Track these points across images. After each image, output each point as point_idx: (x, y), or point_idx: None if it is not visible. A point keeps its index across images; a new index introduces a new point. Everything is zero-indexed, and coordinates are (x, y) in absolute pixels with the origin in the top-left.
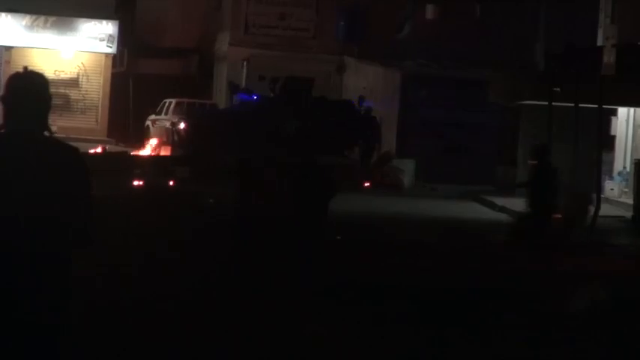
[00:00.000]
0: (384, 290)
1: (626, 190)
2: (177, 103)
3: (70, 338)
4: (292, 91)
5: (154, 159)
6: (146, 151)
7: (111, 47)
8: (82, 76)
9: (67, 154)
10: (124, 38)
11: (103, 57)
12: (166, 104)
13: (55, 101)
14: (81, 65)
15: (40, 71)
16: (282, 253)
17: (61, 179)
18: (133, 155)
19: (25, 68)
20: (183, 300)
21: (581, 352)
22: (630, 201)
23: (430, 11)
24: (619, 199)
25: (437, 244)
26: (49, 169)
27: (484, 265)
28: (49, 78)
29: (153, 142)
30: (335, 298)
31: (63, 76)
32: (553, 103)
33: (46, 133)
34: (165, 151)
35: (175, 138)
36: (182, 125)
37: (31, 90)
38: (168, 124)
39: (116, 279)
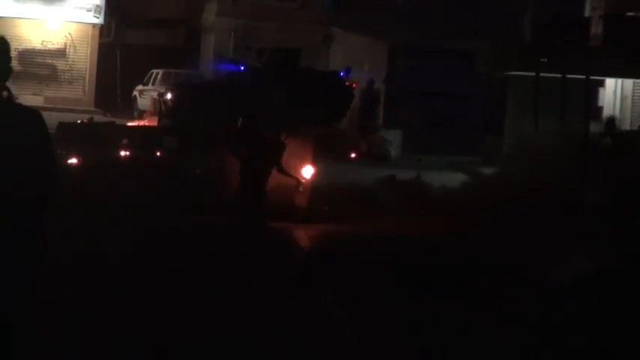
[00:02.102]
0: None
1: None
2: (164, 74)
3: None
4: (279, 62)
5: (141, 129)
6: (133, 121)
7: (98, 17)
8: (69, 46)
9: (24, 113)
10: (111, 8)
11: (90, 27)
12: (153, 75)
13: (42, 72)
14: (68, 35)
15: (26, 41)
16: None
17: (23, 139)
18: (120, 125)
19: None
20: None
21: None
22: None
23: None
24: None
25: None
26: (8, 128)
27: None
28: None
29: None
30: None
31: (50, 46)
32: (540, 74)
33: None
34: (152, 122)
35: (162, 108)
36: (169, 95)
37: None
38: (155, 95)
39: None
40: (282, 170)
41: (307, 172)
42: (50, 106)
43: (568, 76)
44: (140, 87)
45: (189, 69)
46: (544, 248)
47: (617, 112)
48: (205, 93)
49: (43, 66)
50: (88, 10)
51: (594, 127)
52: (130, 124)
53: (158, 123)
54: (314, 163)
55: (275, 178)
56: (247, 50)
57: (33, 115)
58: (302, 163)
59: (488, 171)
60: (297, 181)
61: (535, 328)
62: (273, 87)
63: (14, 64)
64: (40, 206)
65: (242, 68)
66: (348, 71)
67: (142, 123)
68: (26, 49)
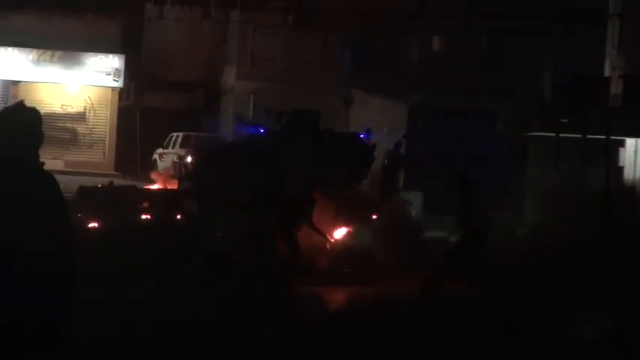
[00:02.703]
0: None
1: None
2: (184, 137)
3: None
4: (298, 124)
5: (162, 193)
6: (154, 185)
7: (117, 81)
8: (89, 110)
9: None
10: (130, 72)
11: (110, 91)
12: (173, 138)
13: (62, 135)
14: (88, 99)
15: (46, 105)
16: None
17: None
18: (141, 189)
19: (21, 102)
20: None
21: None
22: None
23: (437, 43)
24: None
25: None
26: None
27: None
28: (57, 112)
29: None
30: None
31: (70, 110)
32: (561, 134)
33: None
34: (172, 185)
35: (182, 171)
36: (189, 159)
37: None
38: (175, 158)
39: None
40: (312, 226)
41: (339, 232)
42: (70, 170)
43: (588, 136)
44: (160, 150)
45: (210, 132)
46: (569, 305)
47: (638, 172)
48: (225, 156)
49: (63, 130)
50: (108, 74)
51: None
52: (147, 187)
53: (178, 186)
54: (345, 224)
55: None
56: (267, 113)
57: (53, 179)
58: (323, 223)
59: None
60: (326, 239)
61: None
62: (293, 149)
63: None
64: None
65: (261, 131)
66: (368, 132)
67: (155, 185)
68: (46, 113)
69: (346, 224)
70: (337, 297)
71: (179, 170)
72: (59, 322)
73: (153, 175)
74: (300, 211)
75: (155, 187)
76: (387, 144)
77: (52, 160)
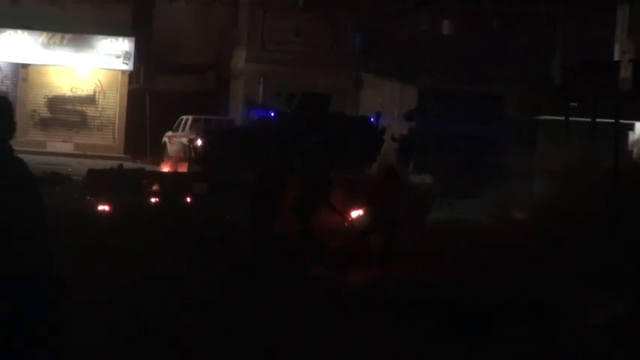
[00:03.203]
0: None
1: None
2: (194, 120)
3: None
4: (309, 107)
5: (171, 175)
6: (164, 167)
7: (127, 64)
8: (99, 93)
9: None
10: (140, 55)
11: (120, 74)
12: (183, 121)
13: (72, 118)
14: (97, 82)
15: (56, 88)
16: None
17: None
18: (150, 172)
19: None
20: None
21: None
22: None
23: (446, 27)
24: None
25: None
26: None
27: None
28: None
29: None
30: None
31: (79, 93)
32: (570, 118)
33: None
34: (182, 168)
35: (192, 154)
36: (199, 142)
37: None
38: (185, 141)
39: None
40: (330, 207)
41: (356, 214)
42: (80, 152)
43: (598, 119)
44: (170, 133)
45: (219, 115)
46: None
47: None
48: (235, 139)
49: (73, 113)
50: (118, 57)
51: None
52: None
53: (188, 169)
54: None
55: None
56: (277, 96)
57: (23, 164)
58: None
59: (518, 214)
60: (344, 219)
61: None
62: (304, 132)
63: (44, 110)
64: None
65: (272, 114)
66: (378, 116)
67: (164, 168)
68: (56, 96)
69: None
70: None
71: (189, 153)
72: (41, 303)
73: (164, 165)
74: (316, 193)
75: (165, 170)
76: (398, 128)
77: (61, 143)
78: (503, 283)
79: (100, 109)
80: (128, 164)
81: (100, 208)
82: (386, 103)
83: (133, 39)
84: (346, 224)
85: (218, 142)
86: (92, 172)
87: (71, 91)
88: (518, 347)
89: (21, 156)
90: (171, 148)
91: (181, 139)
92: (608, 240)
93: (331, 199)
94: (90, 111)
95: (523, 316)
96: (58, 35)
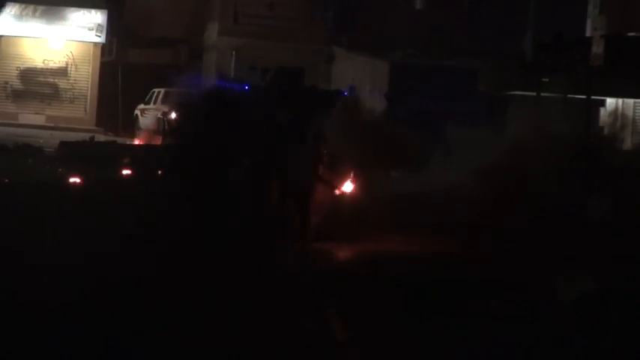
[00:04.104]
0: None
1: None
2: (165, 93)
3: None
4: (283, 81)
5: (143, 148)
6: (138, 140)
7: (100, 36)
8: (71, 65)
9: None
10: (113, 27)
11: (92, 46)
12: (155, 94)
13: (44, 90)
14: (70, 54)
15: (28, 60)
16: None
17: None
18: (122, 144)
19: None
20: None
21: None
22: None
23: (419, 2)
24: None
25: None
26: None
27: None
28: (38, 67)
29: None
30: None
31: (52, 65)
32: (541, 94)
33: None
34: (155, 141)
35: (166, 127)
36: (173, 115)
37: None
38: (159, 114)
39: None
40: (319, 178)
41: (347, 187)
42: (52, 124)
43: (569, 95)
44: (142, 106)
45: (191, 88)
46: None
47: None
48: (210, 112)
49: (45, 85)
50: (90, 29)
51: None
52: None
53: (162, 142)
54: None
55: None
56: (251, 70)
57: None
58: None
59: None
60: (333, 188)
61: (540, 346)
62: (277, 106)
63: (16, 82)
64: None
65: (246, 87)
66: (351, 90)
67: (137, 141)
68: (28, 67)
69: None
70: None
71: (163, 126)
72: None
73: (138, 138)
74: (308, 169)
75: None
76: (370, 102)
77: (33, 115)
78: (473, 257)
79: (72, 81)
80: (100, 136)
81: (72, 179)
82: (358, 78)
83: (106, 11)
84: (337, 192)
85: (192, 115)
86: (64, 144)
87: (43, 63)
88: (490, 323)
89: None
90: (143, 120)
91: (153, 112)
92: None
93: (320, 171)
94: (62, 83)
95: (492, 291)
96: (31, 7)
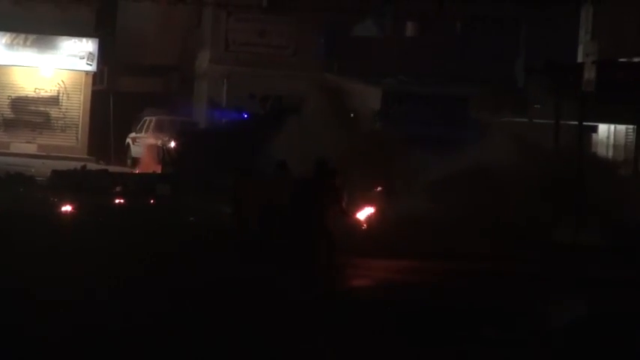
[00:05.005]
0: None
1: None
2: (157, 121)
3: None
4: (282, 110)
5: (135, 177)
6: (137, 170)
7: (91, 65)
8: (63, 94)
9: None
10: (104, 56)
11: (84, 75)
12: (147, 122)
13: (35, 119)
14: (61, 83)
15: (19, 89)
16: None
17: None
18: (113, 173)
19: None
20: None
21: None
22: None
23: (410, 28)
24: None
25: None
26: None
27: None
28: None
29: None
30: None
31: (43, 94)
32: (533, 120)
33: None
34: (155, 170)
35: (166, 156)
36: (172, 144)
37: None
38: (159, 143)
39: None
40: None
41: (365, 213)
42: (44, 153)
43: (561, 122)
44: (133, 134)
45: (183, 116)
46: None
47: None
48: (212, 141)
49: (36, 114)
50: (81, 58)
51: None
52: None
53: (162, 171)
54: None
55: None
56: (250, 98)
57: None
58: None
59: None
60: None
61: None
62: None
63: (8, 111)
64: None
65: (245, 116)
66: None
67: (137, 171)
68: (19, 96)
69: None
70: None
71: (162, 155)
72: None
73: (137, 167)
74: (317, 197)
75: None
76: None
77: (24, 144)
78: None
79: (63, 110)
80: (92, 165)
81: (64, 208)
82: (351, 104)
83: (97, 40)
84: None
85: (192, 143)
86: (56, 173)
87: (35, 91)
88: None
89: None
90: (135, 149)
91: (145, 141)
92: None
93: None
94: (53, 112)
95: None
96: (22, 36)
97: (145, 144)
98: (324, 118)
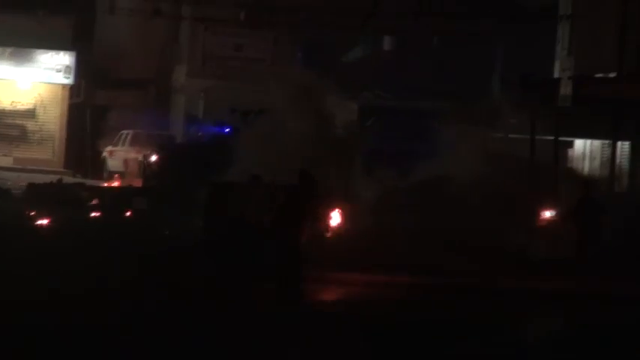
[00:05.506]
0: None
1: None
2: (134, 135)
3: None
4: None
5: (111, 190)
6: (114, 183)
7: (68, 78)
8: (39, 107)
9: None
10: (81, 69)
11: (60, 88)
12: (123, 135)
13: (12, 132)
14: (38, 96)
15: None
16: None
17: None
18: (90, 186)
19: None
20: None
21: None
22: None
23: (387, 43)
24: None
25: None
26: None
27: None
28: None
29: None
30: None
31: (20, 107)
32: (509, 135)
33: None
34: (136, 183)
35: (147, 171)
36: (153, 157)
37: None
38: (139, 157)
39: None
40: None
41: (335, 219)
42: (19, 166)
43: (537, 136)
44: (110, 148)
45: (160, 129)
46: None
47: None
48: (193, 154)
49: (13, 126)
50: (58, 71)
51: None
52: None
53: (143, 185)
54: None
55: None
56: (232, 112)
57: None
58: None
59: None
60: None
61: None
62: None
63: None
64: None
65: (227, 130)
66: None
67: (113, 184)
68: None
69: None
70: None
71: (143, 169)
72: None
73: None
74: (303, 210)
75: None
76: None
77: (0, 157)
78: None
79: (40, 123)
80: (68, 178)
81: (40, 221)
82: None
83: (74, 53)
84: (328, 235)
85: (173, 157)
86: (32, 186)
87: (11, 104)
88: None
89: None
90: (112, 162)
91: (121, 154)
92: None
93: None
94: (30, 125)
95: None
96: None
97: (122, 157)
98: (297, 117)
